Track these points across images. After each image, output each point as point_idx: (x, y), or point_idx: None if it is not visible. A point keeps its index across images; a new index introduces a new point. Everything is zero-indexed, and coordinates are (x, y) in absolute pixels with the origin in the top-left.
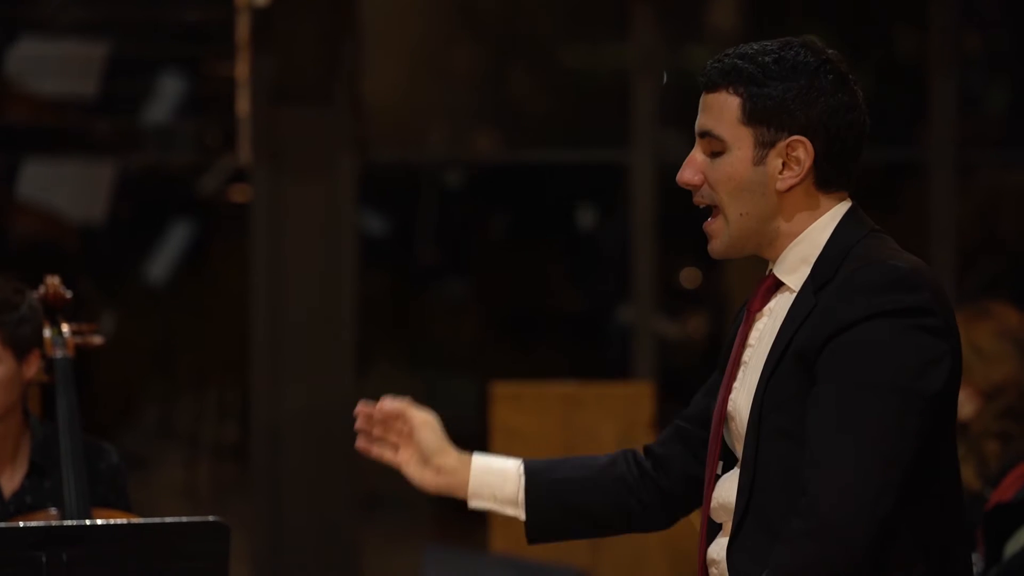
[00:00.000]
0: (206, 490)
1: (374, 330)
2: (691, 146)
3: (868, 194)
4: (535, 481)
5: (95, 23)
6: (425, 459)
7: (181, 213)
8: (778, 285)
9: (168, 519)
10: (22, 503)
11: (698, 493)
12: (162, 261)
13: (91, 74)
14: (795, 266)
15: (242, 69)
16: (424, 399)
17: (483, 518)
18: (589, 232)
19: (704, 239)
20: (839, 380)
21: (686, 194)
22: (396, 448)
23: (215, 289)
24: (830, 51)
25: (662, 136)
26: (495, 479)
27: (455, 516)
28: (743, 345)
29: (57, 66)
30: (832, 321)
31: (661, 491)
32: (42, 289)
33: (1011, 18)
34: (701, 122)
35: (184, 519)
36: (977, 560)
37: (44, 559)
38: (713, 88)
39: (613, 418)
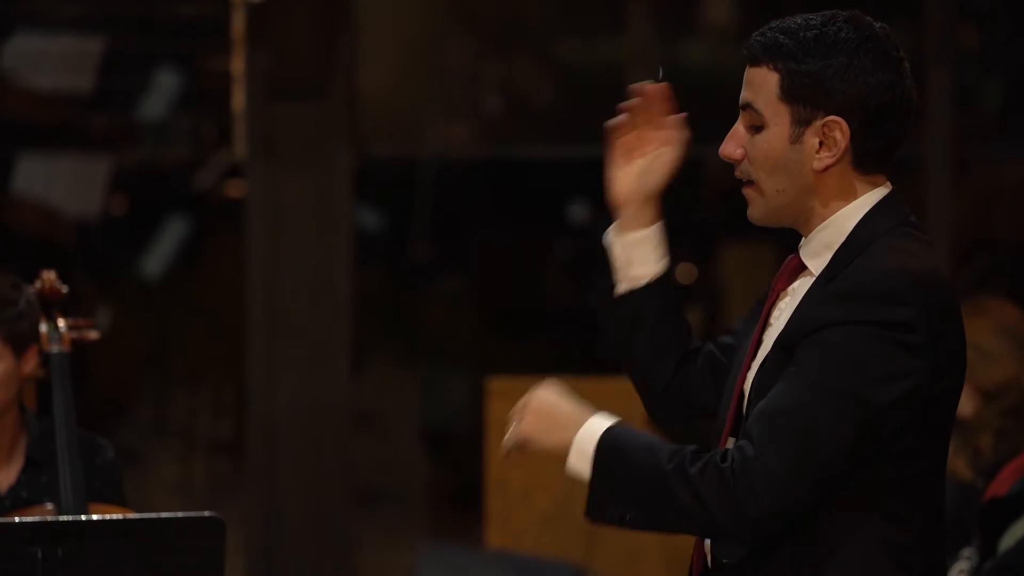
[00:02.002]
0: (201, 485)
1: (369, 325)
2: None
3: None
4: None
5: (91, 18)
6: (642, 173)
7: (177, 208)
8: (803, 267)
9: (163, 514)
10: (18, 498)
11: (689, 418)
12: (158, 256)
13: (87, 69)
14: (818, 251)
15: (237, 64)
16: (420, 394)
17: (479, 514)
18: (585, 227)
19: (699, 234)
20: (801, 372)
21: (680, 188)
22: (640, 142)
23: (210, 284)
24: (878, 25)
25: None
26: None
27: (451, 512)
28: (765, 323)
29: (53, 61)
30: (816, 317)
31: (681, 388)
32: (38, 284)
33: (1007, 12)
34: (744, 95)
35: (179, 514)
36: (972, 554)
37: (39, 554)
38: (755, 62)
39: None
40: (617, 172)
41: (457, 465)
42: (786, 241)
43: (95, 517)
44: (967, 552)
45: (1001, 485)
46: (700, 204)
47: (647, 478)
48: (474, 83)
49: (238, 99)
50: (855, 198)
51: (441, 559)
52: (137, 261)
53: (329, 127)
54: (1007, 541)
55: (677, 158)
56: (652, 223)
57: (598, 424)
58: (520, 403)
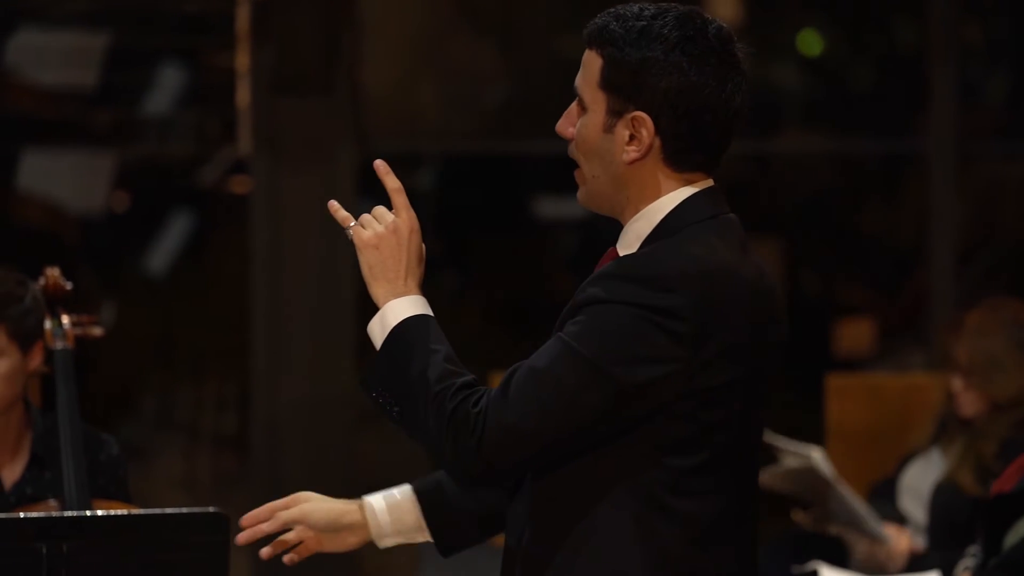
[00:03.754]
0: (206, 481)
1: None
2: None
3: (869, 185)
4: (431, 500)
5: (95, 14)
6: (336, 528)
7: (181, 204)
8: (618, 257)
9: (168, 510)
10: (23, 494)
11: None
12: (162, 252)
13: (91, 65)
14: (631, 242)
15: (242, 60)
16: None
17: None
18: (587, 221)
19: None
20: (561, 338)
21: None
22: (301, 541)
23: (215, 280)
24: (713, 26)
25: None
26: (396, 515)
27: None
28: None
29: (57, 57)
30: (585, 295)
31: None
32: (42, 280)
33: (1011, 8)
34: (577, 77)
35: (184, 510)
36: (976, 551)
37: (44, 550)
38: (588, 44)
39: None
40: (334, 546)
41: None
42: (797, 237)
43: (99, 513)
44: (972, 549)
45: (1006, 481)
46: None
47: (413, 386)
48: (477, 79)
49: (242, 95)
50: (668, 192)
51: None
52: (141, 257)
53: (333, 123)
54: (1011, 538)
55: (306, 499)
56: (366, 507)
57: (410, 305)
58: (386, 217)
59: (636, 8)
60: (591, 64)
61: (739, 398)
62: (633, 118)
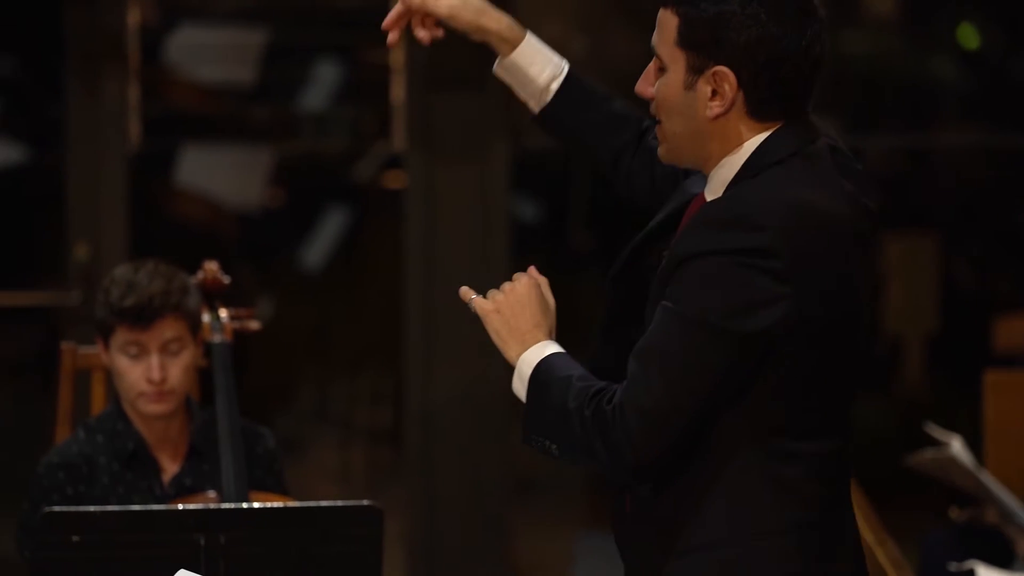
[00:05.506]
0: (360, 474)
1: None
2: None
3: None
4: (572, 81)
5: (253, 11)
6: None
7: (336, 199)
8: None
9: (323, 503)
10: (181, 486)
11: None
12: (317, 247)
13: (249, 61)
14: (716, 188)
15: (397, 56)
16: None
17: None
18: None
19: None
20: (667, 307)
21: None
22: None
23: (369, 275)
24: None
25: None
26: (542, 56)
27: (609, 503)
28: None
29: (216, 54)
30: (679, 250)
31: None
32: (200, 275)
33: None
34: (653, 37)
35: (339, 503)
36: None
37: (202, 541)
38: (664, 4)
39: None
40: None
41: None
42: (954, 231)
43: (256, 505)
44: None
45: None
46: None
47: (559, 413)
48: (632, 73)
49: (397, 90)
50: (751, 138)
51: (598, 551)
52: (297, 252)
53: (487, 118)
54: None
55: None
56: (518, 37)
57: (539, 351)
58: (505, 286)
59: None
60: (667, 23)
61: (838, 330)
62: (715, 73)
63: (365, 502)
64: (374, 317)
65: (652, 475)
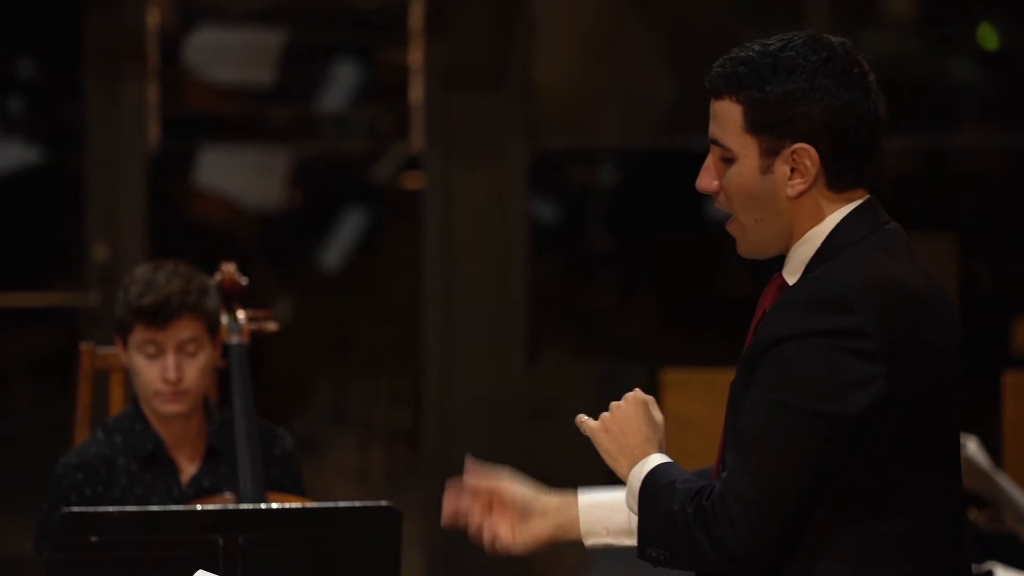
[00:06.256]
0: (378, 475)
1: (545, 316)
2: None
3: None
4: None
5: (272, 11)
6: (525, 512)
7: (354, 200)
8: (786, 285)
9: (341, 503)
10: (199, 487)
11: None
12: (335, 247)
13: (268, 62)
14: (797, 267)
15: (415, 57)
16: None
17: None
18: None
19: None
20: (761, 393)
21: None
22: (489, 510)
23: (387, 275)
24: (838, 42)
25: None
26: (605, 512)
27: None
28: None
29: (235, 54)
30: (768, 333)
31: None
32: (218, 276)
33: None
34: (711, 130)
35: (357, 504)
36: None
37: (221, 542)
38: (718, 95)
39: None
40: (517, 533)
41: None
42: (972, 232)
43: (274, 505)
44: None
45: None
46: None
47: (666, 519)
48: (651, 74)
49: (415, 91)
50: (831, 213)
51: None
52: (316, 252)
53: (505, 119)
54: None
55: (510, 478)
56: (574, 500)
57: (646, 464)
58: (612, 405)
59: (757, 47)
60: (729, 112)
61: (928, 408)
62: (793, 152)
63: (383, 503)
64: (392, 318)
65: (758, 563)
